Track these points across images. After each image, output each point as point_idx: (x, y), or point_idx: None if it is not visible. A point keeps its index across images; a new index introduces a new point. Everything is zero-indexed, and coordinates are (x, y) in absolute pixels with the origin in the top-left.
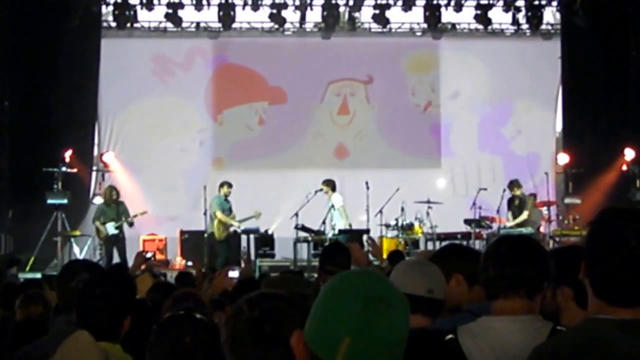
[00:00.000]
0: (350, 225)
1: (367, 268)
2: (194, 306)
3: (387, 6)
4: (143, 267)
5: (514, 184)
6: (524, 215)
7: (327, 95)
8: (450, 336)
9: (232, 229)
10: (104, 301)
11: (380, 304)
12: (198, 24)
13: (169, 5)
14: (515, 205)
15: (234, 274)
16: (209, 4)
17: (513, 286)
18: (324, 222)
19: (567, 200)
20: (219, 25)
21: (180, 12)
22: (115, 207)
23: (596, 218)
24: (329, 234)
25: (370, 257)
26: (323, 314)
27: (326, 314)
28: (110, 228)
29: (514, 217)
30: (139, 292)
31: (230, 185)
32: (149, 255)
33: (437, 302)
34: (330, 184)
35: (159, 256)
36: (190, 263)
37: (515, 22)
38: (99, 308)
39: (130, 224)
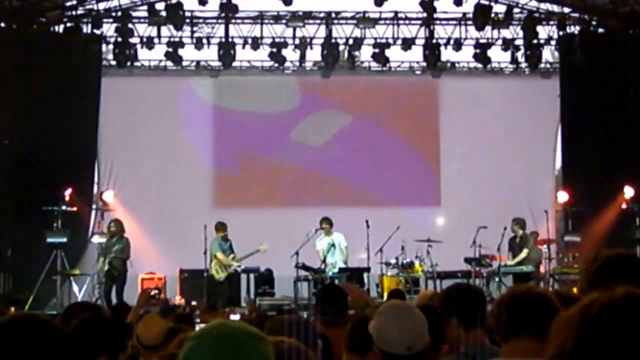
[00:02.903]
0: (346, 264)
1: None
2: None
3: (387, 45)
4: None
5: (517, 223)
6: (524, 253)
7: (327, 134)
8: None
9: (232, 269)
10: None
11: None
12: (198, 62)
13: (169, 44)
14: (516, 243)
15: (235, 317)
16: (209, 43)
17: (524, 327)
18: (324, 261)
19: (567, 238)
20: (219, 63)
21: (180, 51)
22: (117, 242)
23: (588, 313)
24: (329, 272)
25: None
26: None
27: None
28: (105, 264)
29: (514, 256)
30: (146, 332)
31: (224, 227)
32: (153, 292)
33: (418, 356)
34: (330, 222)
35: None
36: (194, 303)
37: (514, 60)
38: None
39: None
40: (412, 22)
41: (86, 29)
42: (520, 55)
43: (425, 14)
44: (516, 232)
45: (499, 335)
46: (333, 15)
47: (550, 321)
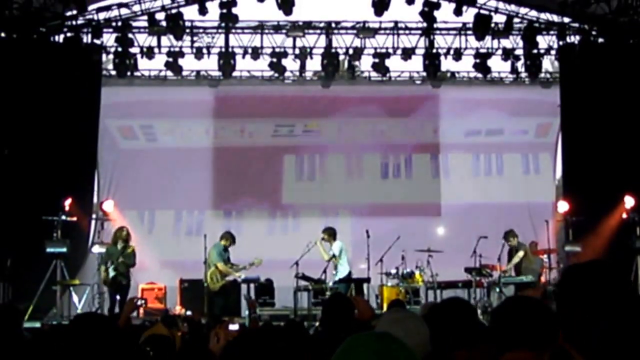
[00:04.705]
0: (350, 273)
1: (382, 331)
2: None
3: (387, 55)
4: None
5: (512, 235)
6: (520, 253)
7: (327, 143)
8: None
9: (229, 278)
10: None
11: None
12: (198, 72)
13: (169, 54)
14: (513, 256)
15: (234, 327)
16: (209, 53)
17: (522, 339)
18: (324, 271)
19: (568, 248)
20: (219, 73)
21: (180, 61)
22: (123, 249)
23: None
24: (329, 282)
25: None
26: None
27: None
28: (110, 270)
29: (515, 268)
30: None
31: (232, 238)
32: (139, 302)
33: None
34: (331, 232)
35: (157, 305)
36: (189, 312)
37: (514, 70)
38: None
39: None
40: (412, 32)
41: (86, 38)
42: (520, 65)
43: (425, 24)
44: (511, 243)
45: (496, 346)
46: (333, 25)
47: (548, 332)
